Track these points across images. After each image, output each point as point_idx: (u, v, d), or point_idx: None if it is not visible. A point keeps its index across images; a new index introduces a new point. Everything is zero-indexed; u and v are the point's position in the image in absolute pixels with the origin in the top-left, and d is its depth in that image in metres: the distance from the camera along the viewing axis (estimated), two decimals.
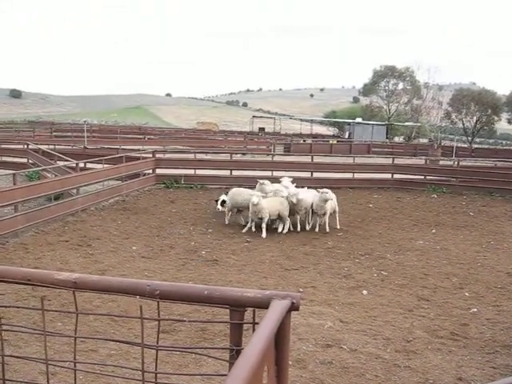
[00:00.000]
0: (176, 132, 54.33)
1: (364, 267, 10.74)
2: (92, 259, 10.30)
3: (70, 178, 14.59)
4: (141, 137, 43.76)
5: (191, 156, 23.28)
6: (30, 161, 21.80)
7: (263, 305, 2.22)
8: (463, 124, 65.67)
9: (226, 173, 21.02)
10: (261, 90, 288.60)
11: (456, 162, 23.90)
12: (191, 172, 20.97)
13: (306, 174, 20.89)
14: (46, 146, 24.60)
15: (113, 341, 6.07)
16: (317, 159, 22.99)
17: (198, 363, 5.90)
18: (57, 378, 5.15)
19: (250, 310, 2.30)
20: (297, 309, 2.18)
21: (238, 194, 13.83)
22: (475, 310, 8.40)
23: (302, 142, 46.69)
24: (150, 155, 20.79)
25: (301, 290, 8.96)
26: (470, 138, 63.97)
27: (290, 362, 5.81)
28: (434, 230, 14.55)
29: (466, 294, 9.23)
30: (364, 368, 5.98)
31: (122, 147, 26.93)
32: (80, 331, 6.34)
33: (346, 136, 57.19)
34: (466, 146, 55.95)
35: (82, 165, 17.18)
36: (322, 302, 8.46)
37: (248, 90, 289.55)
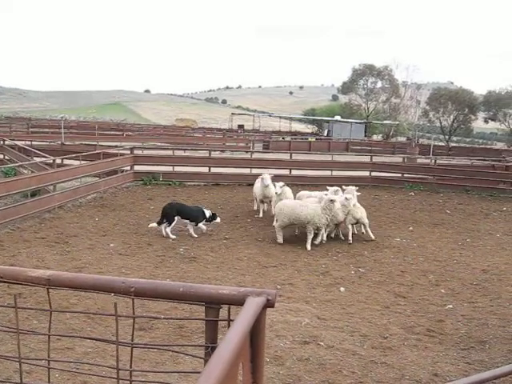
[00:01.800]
0: (154, 129, 54.11)
1: (341, 264, 10.78)
2: (69, 256, 10.20)
3: (46, 174, 14.40)
4: (119, 133, 43.42)
5: (170, 153, 23.23)
6: (6, 157, 21.61)
7: (238, 302, 2.21)
8: (440, 123, 66.35)
9: (205, 170, 20.91)
10: (240, 87, 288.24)
11: (433, 160, 24.02)
12: (170, 169, 20.73)
13: (285, 172, 20.96)
14: (23, 142, 24.33)
15: (88, 339, 6.04)
16: (295, 157, 22.92)
17: (175, 360, 5.89)
18: (32, 376, 5.10)
19: (226, 307, 2.29)
20: (272, 305, 2.17)
21: (295, 206, 12.16)
22: (451, 306, 8.49)
23: (281, 139, 46.83)
24: (128, 152, 20.70)
25: (278, 287, 8.97)
26: (447, 137, 64.94)
27: (268, 359, 5.89)
28: (411, 228, 14.61)
29: (442, 290, 9.30)
30: (341, 364, 6.03)
31: (100, 143, 26.85)
32: (56, 329, 6.28)
33: (325, 134, 57.56)
34: (443, 144, 56.77)
35: (59, 161, 16.96)
36: (299, 298, 8.45)
37: (227, 87, 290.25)
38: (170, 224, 12.30)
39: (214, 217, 12.89)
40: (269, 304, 2.19)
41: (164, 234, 12.22)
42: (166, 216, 12.33)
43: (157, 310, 7.40)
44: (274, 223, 12.39)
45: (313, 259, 11.04)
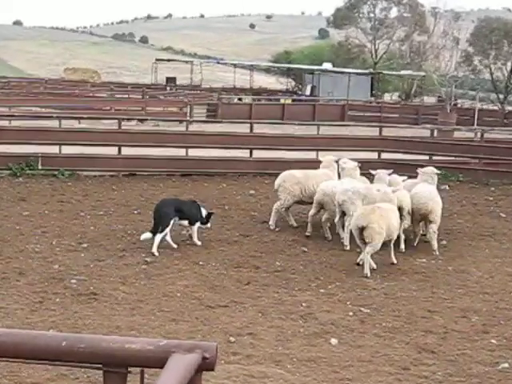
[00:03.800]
0: (30, 84, 45.08)
1: (333, 301, 9.45)
2: None
3: None
4: None
5: (54, 124, 19.53)
6: None
7: (157, 362, 1.78)
8: (491, 74, 53.85)
9: (113, 151, 17.74)
10: (170, 16, 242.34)
11: (479, 134, 20.56)
12: (54, 150, 17.58)
13: (243, 153, 18.26)
14: None
15: None
16: (260, 129, 19.98)
17: None
18: None
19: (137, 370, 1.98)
20: (211, 367, 1.80)
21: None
22: (506, 365, 7.31)
23: (236, 100, 41.01)
24: None
25: (232, 339, 7.77)
26: (501, 96, 53.29)
27: None
28: (444, 241, 12.68)
29: (493, 341, 8.12)
30: None
31: None
32: None
33: (308, 92, 48.85)
34: (495, 108, 48.34)
35: None
36: (265, 357, 7.29)
37: (149, 17, 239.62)
38: (165, 229, 11.10)
39: (208, 217, 11.91)
40: (206, 365, 1.77)
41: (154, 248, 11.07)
42: (162, 219, 11.16)
43: (34, 380, 6.39)
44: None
45: (287, 293, 9.69)
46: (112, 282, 10.02)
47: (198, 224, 11.86)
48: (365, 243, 10.32)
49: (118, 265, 10.82)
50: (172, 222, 11.45)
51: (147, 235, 11.30)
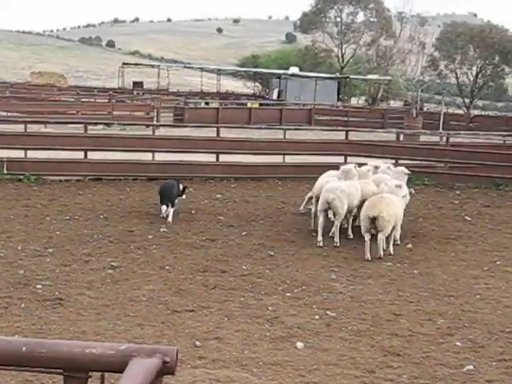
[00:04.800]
0: None
1: (299, 305, 9.47)
2: None
3: None
4: None
5: (20, 128, 19.33)
6: None
7: (117, 366, 1.78)
8: (457, 78, 54.28)
9: (79, 155, 17.77)
10: (137, 20, 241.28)
11: (445, 138, 20.72)
12: (19, 154, 17.48)
13: (209, 158, 18.21)
14: None
15: None
16: (226, 134, 20.03)
17: None
18: None
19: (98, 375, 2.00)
20: (171, 371, 1.79)
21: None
22: (471, 367, 7.36)
23: (203, 105, 41.02)
24: None
25: (198, 343, 7.70)
26: (467, 101, 53.93)
27: None
28: (409, 245, 12.77)
29: (458, 343, 8.17)
30: None
31: None
32: None
33: (275, 96, 49.28)
34: (461, 112, 48.96)
35: None
36: (231, 361, 7.28)
37: (116, 21, 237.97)
38: (172, 206, 13.57)
39: (183, 191, 14.24)
40: (166, 369, 1.77)
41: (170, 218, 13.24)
42: (169, 196, 13.40)
43: None
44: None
45: (253, 298, 9.66)
46: (78, 286, 9.96)
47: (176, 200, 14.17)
48: (373, 232, 11.32)
49: (83, 270, 10.74)
50: (177, 200, 13.91)
51: (163, 208, 13.56)
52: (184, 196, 14.38)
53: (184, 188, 14.40)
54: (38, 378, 6.54)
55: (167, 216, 13.72)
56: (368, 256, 11.44)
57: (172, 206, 13.81)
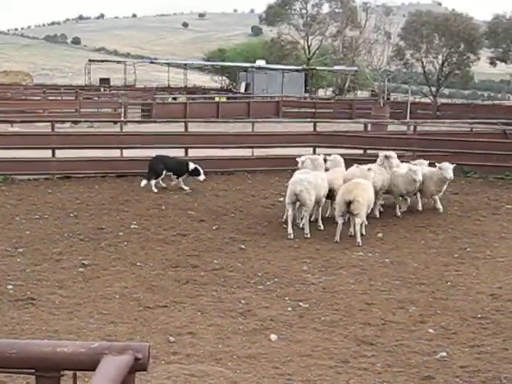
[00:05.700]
0: None
1: (272, 298, 9.48)
2: None
3: None
4: None
5: None
6: None
7: (89, 365, 1.77)
8: (423, 67, 54.96)
9: (47, 154, 17.51)
10: (102, 16, 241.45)
11: (412, 127, 20.72)
12: None
13: (178, 153, 17.94)
14: None
15: None
16: (194, 128, 20.01)
17: None
18: None
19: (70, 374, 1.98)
20: (144, 368, 1.77)
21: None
22: (444, 354, 7.42)
23: (170, 100, 40.87)
24: None
25: (172, 339, 7.70)
26: (433, 89, 54.78)
27: None
28: (380, 234, 12.78)
29: (430, 330, 8.25)
30: None
31: None
32: None
33: (242, 89, 49.34)
34: (427, 100, 49.41)
35: None
36: (205, 356, 7.27)
37: (81, 18, 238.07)
38: (157, 178, 14.95)
39: (196, 171, 15.04)
40: (138, 366, 1.75)
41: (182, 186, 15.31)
42: (154, 170, 14.87)
43: None
44: None
45: (226, 291, 9.66)
46: (49, 286, 9.85)
47: (183, 177, 15.27)
48: (349, 216, 11.63)
49: (54, 269, 10.61)
50: (164, 173, 14.90)
51: (144, 182, 14.66)
52: (201, 177, 15.05)
53: (196, 169, 15.14)
54: (11, 378, 6.43)
55: (180, 187, 15.09)
56: (337, 238, 11.73)
57: (156, 178, 14.88)
